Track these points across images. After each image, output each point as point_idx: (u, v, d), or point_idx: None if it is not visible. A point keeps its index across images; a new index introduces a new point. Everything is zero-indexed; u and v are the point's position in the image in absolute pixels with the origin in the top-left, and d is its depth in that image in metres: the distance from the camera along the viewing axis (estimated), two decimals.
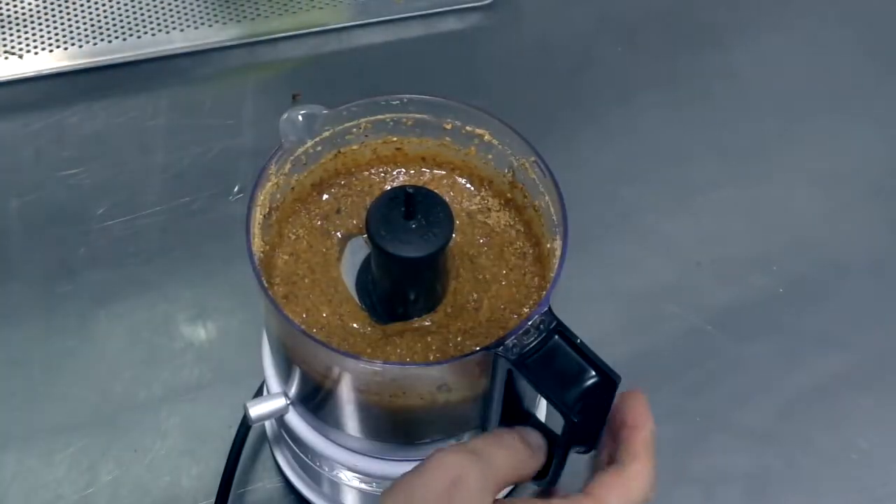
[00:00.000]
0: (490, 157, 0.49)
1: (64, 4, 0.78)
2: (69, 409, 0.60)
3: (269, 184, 0.46)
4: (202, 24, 0.78)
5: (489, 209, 0.50)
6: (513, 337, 0.41)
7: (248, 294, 0.64)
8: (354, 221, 0.49)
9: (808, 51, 0.81)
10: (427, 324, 0.46)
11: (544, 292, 0.45)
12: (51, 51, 0.76)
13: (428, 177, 0.50)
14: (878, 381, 0.64)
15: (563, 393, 0.40)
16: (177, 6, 0.79)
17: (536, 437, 0.45)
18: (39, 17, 0.77)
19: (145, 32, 0.77)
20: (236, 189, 0.69)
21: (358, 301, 0.47)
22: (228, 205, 0.68)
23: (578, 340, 0.41)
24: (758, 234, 0.70)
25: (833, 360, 0.64)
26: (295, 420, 0.49)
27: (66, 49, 0.76)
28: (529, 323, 0.41)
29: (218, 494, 0.54)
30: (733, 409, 0.62)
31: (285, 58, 0.78)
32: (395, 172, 0.50)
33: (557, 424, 0.43)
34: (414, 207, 0.42)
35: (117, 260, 0.65)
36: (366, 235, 0.46)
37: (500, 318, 0.46)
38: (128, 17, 0.78)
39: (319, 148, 0.48)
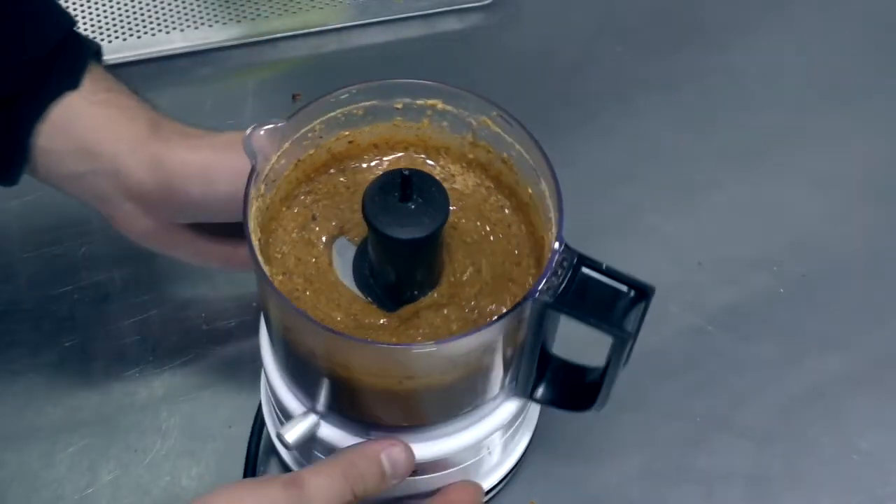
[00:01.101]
0: (445, 124, 0.49)
1: (64, 5, 0.78)
2: (69, 409, 0.60)
3: (254, 209, 0.45)
4: (202, 24, 0.78)
5: (452, 175, 0.50)
6: (543, 282, 0.42)
7: (249, 294, 0.64)
8: (333, 223, 0.48)
9: (808, 50, 0.81)
10: (436, 297, 0.46)
11: (538, 236, 0.47)
12: None
13: (383, 162, 0.50)
14: (878, 381, 0.64)
15: (608, 316, 0.43)
16: (177, 6, 0.79)
17: (401, 455, 0.46)
18: None
19: (145, 32, 0.77)
20: None
21: (364, 296, 0.47)
22: None
23: (604, 265, 0.43)
24: (758, 234, 0.70)
25: (833, 360, 0.64)
26: (328, 431, 0.49)
27: None
28: (553, 263, 0.42)
29: None
30: (733, 409, 0.62)
31: (285, 58, 0.78)
32: (351, 167, 0.50)
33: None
34: (410, 189, 0.42)
35: (117, 260, 0.65)
36: (348, 236, 0.47)
37: (503, 272, 0.47)
38: (128, 17, 0.78)
39: (283, 161, 0.47)
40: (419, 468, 0.49)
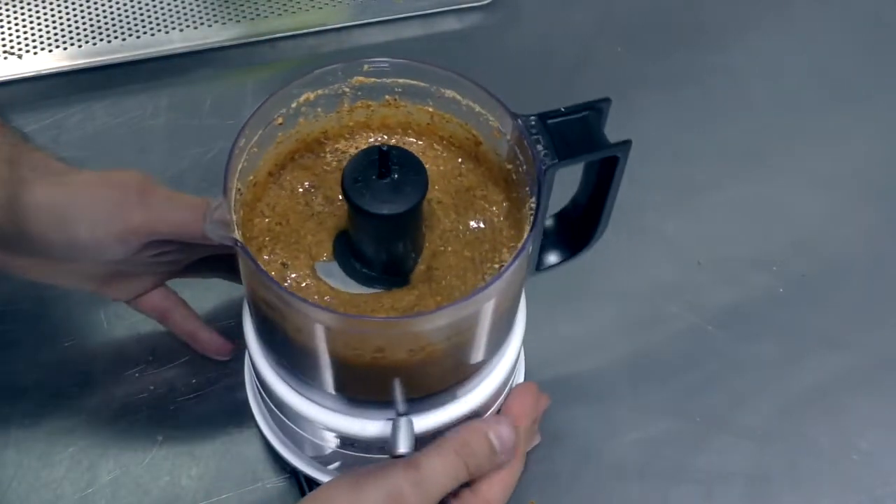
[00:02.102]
0: (319, 110, 0.48)
1: (64, 4, 0.78)
2: (69, 409, 0.60)
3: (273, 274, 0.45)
4: (202, 24, 0.78)
5: (342, 150, 0.50)
6: (535, 157, 0.43)
7: None
8: (301, 257, 0.47)
9: (807, 50, 0.81)
10: (430, 246, 0.47)
11: (464, 139, 0.48)
12: (51, 51, 0.76)
13: (281, 184, 0.49)
14: (878, 381, 0.64)
15: (594, 143, 0.45)
16: (177, 6, 0.79)
17: (507, 433, 0.47)
18: (39, 17, 0.77)
19: (145, 32, 0.77)
20: None
21: (378, 289, 0.47)
22: None
23: (561, 108, 0.45)
24: (758, 234, 0.70)
25: (833, 360, 0.64)
26: (417, 422, 0.49)
27: (65, 49, 0.76)
28: (525, 141, 0.44)
29: None
30: (733, 409, 0.62)
31: (285, 58, 0.78)
32: (266, 205, 0.48)
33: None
34: (386, 168, 0.43)
35: None
36: (320, 258, 0.46)
37: (457, 187, 0.48)
38: (128, 17, 0.78)
39: (242, 231, 0.46)
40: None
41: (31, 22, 0.77)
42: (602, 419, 0.61)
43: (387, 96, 0.49)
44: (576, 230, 0.51)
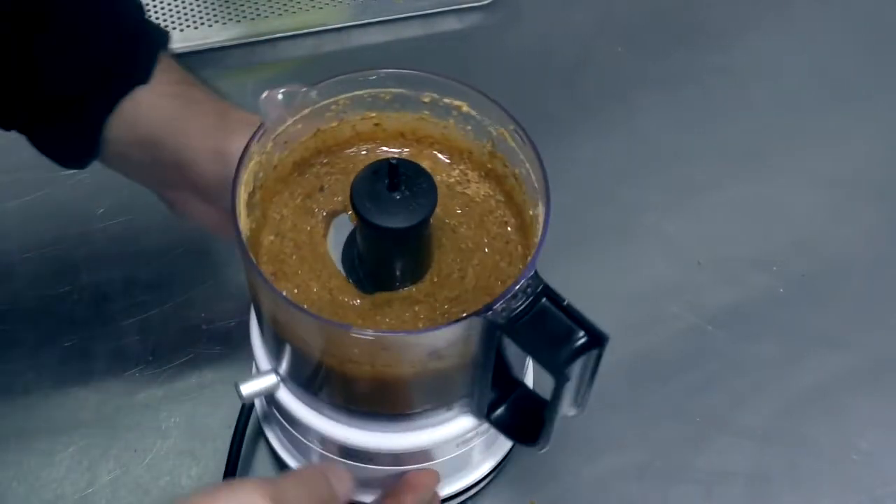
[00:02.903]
0: (469, 128, 0.49)
1: None
2: (69, 409, 0.60)
3: (252, 162, 0.46)
4: (202, 24, 0.78)
5: (469, 181, 0.50)
6: (501, 302, 0.41)
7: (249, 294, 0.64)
8: (339, 198, 0.49)
9: (807, 50, 0.81)
10: (414, 292, 0.47)
11: (529, 259, 0.46)
12: None
13: (408, 152, 0.50)
14: (878, 381, 0.64)
15: (554, 353, 0.41)
16: (177, 6, 0.79)
17: (342, 479, 0.46)
18: None
19: None
20: None
21: (346, 275, 0.47)
22: None
23: (566, 302, 0.41)
24: (758, 234, 0.70)
25: (833, 360, 0.64)
26: (286, 397, 0.50)
27: None
28: (517, 287, 0.41)
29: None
30: (733, 409, 0.62)
31: (285, 58, 0.78)
32: (375, 149, 0.50)
33: (545, 390, 0.43)
34: (398, 179, 0.43)
35: (117, 260, 0.65)
36: (350, 212, 0.46)
37: (486, 285, 0.47)
38: None
39: (300, 126, 0.48)
40: (396, 458, 0.50)
41: None
42: (602, 419, 0.61)
43: (517, 170, 0.48)
44: (537, 422, 0.47)
